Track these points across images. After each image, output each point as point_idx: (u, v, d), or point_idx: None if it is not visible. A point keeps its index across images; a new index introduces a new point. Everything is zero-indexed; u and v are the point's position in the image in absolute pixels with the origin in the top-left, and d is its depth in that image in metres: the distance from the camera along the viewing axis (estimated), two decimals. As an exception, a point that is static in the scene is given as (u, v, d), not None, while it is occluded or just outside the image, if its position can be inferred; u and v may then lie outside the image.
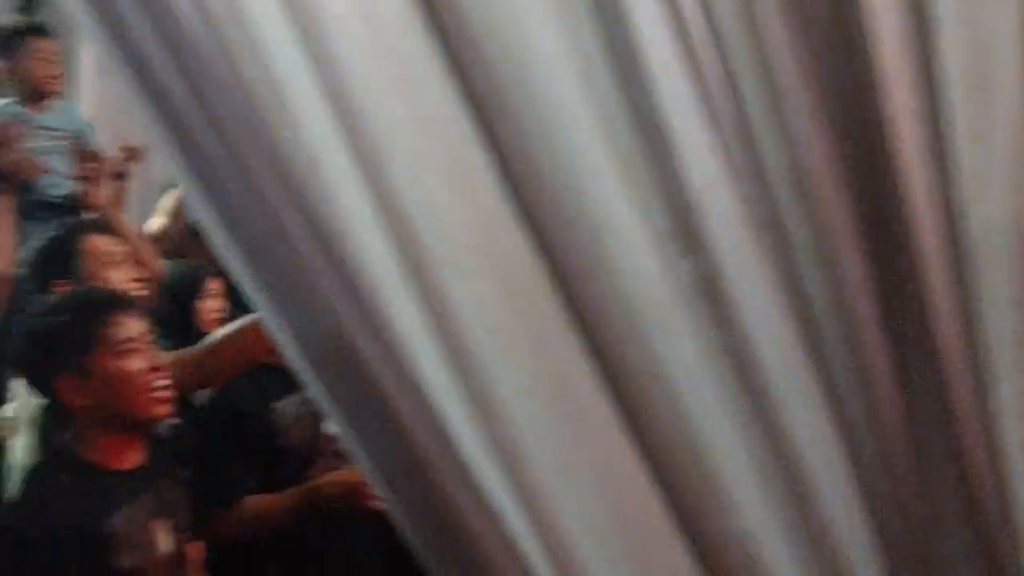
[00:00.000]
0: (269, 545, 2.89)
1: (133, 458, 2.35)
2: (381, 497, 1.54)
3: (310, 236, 1.41)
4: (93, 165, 3.75)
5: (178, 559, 2.38)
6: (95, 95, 5.13)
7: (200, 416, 2.96)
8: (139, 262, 3.60)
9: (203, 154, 1.38)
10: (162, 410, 2.34)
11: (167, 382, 2.35)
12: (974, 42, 1.47)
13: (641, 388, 1.48)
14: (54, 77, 3.82)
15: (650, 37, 1.36)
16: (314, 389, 1.50)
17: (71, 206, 3.84)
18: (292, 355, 1.50)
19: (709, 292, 1.48)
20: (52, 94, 3.89)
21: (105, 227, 3.27)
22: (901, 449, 1.48)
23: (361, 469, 1.53)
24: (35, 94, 3.86)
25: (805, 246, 1.44)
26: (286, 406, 2.95)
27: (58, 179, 3.85)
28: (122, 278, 3.03)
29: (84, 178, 3.76)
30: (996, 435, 1.47)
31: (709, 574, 1.49)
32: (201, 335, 3.65)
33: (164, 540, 2.36)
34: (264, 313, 1.50)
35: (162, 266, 3.77)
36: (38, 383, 2.35)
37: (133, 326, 2.33)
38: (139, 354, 2.31)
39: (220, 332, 2.89)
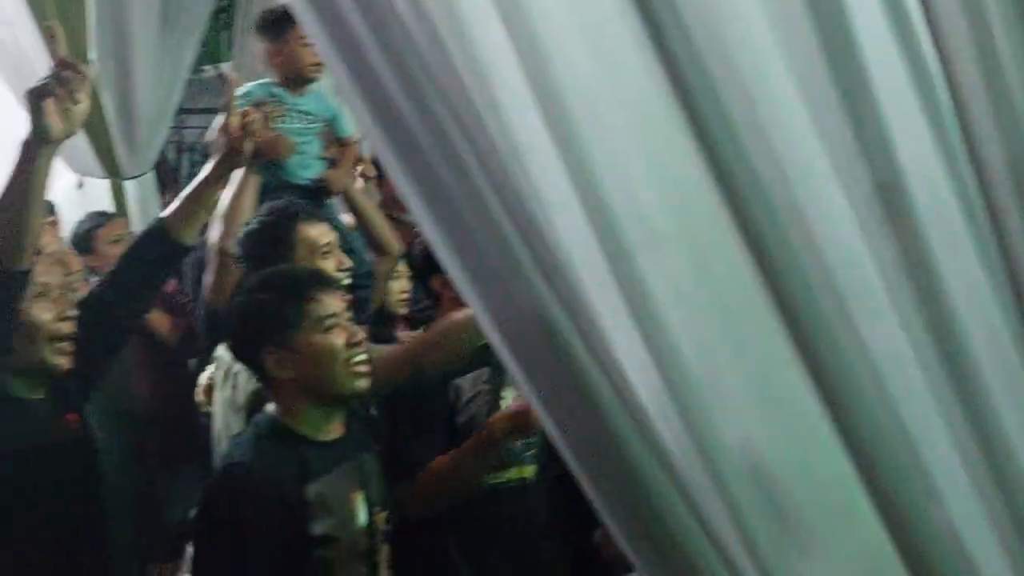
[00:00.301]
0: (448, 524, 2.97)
1: (333, 430, 2.44)
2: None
3: (512, 218, 1.43)
4: (343, 150, 3.87)
5: (372, 531, 2.47)
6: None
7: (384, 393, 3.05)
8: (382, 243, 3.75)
9: (410, 140, 1.42)
10: (362, 383, 2.44)
11: (366, 357, 2.44)
12: None
13: (843, 369, 1.45)
14: (316, 64, 3.90)
15: (864, 21, 1.34)
16: (512, 369, 1.53)
17: (317, 188, 3.96)
18: (492, 336, 1.53)
19: (915, 272, 1.44)
20: (311, 80, 3.97)
21: (317, 216, 3.38)
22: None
23: (557, 450, 1.56)
24: (296, 79, 3.94)
25: (1018, 230, 1.39)
26: (463, 382, 3.02)
27: (308, 161, 3.95)
28: (330, 267, 3.13)
29: (333, 162, 3.88)
30: None
31: (913, 563, 1.45)
32: (391, 316, 3.78)
33: (360, 512, 2.44)
34: (464, 293, 1.54)
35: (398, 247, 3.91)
36: (247, 357, 2.48)
37: (335, 303, 2.45)
38: (340, 330, 2.42)
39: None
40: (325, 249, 3.18)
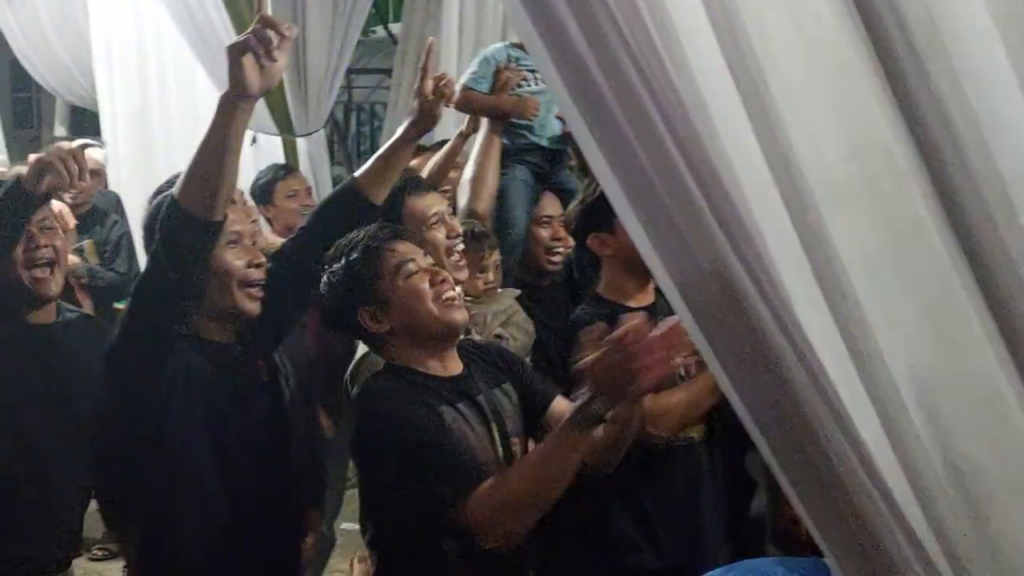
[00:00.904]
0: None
1: (451, 367, 2.50)
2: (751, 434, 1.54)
3: (695, 174, 1.42)
4: None
5: (510, 462, 2.51)
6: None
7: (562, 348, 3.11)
8: None
9: (597, 98, 1.42)
10: (458, 317, 2.49)
11: (455, 292, 2.50)
12: None
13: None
14: None
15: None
16: (690, 327, 1.52)
17: (555, 149, 3.99)
18: (671, 294, 1.52)
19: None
20: None
21: (427, 187, 3.42)
22: None
23: (734, 410, 1.55)
24: None
25: None
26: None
27: (546, 122, 3.98)
28: (439, 237, 3.18)
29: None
30: None
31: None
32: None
33: (492, 443, 2.50)
34: (643, 250, 1.53)
35: None
36: (345, 323, 2.56)
37: (411, 250, 2.51)
38: (423, 273, 2.48)
39: None
40: (434, 220, 3.22)
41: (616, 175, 1.49)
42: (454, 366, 2.56)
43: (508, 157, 3.86)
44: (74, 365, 2.97)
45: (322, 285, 2.58)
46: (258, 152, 6.06)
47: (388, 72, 7.76)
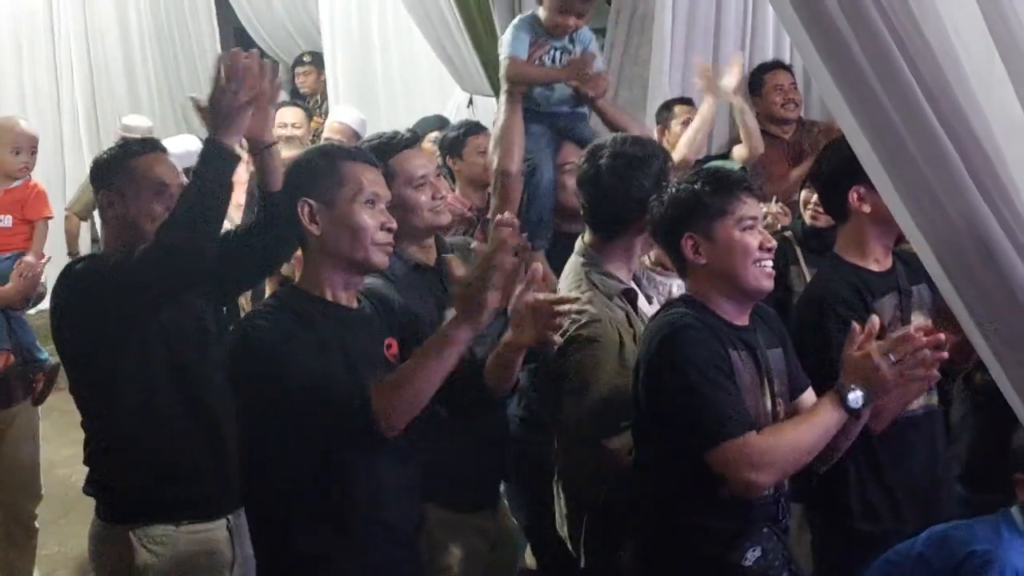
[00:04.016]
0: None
1: (741, 319, 2.58)
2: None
3: (951, 132, 1.45)
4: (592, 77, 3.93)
5: (775, 419, 2.57)
6: None
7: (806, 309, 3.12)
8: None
9: (852, 60, 1.45)
10: (765, 283, 2.54)
11: (771, 262, 2.55)
12: None
13: None
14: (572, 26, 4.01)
15: None
16: (943, 286, 1.55)
17: (572, 112, 4.06)
18: (923, 252, 1.55)
19: None
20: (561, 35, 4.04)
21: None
22: None
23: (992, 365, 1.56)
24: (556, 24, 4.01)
25: None
26: (884, 305, 3.03)
27: (564, 88, 4.04)
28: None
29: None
30: None
31: None
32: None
33: (765, 398, 2.56)
34: (894, 209, 1.56)
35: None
36: (667, 239, 2.63)
37: (757, 209, 2.56)
38: (757, 232, 2.53)
39: None
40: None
41: (865, 132, 1.53)
42: (745, 318, 2.64)
43: (526, 115, 3.93)
44: None
45: (669, 195, 2.63)
46: (474, 114, 6.20)
47: (601, 32, 7.78)
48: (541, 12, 4.02)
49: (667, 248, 2.70)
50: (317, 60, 8.24)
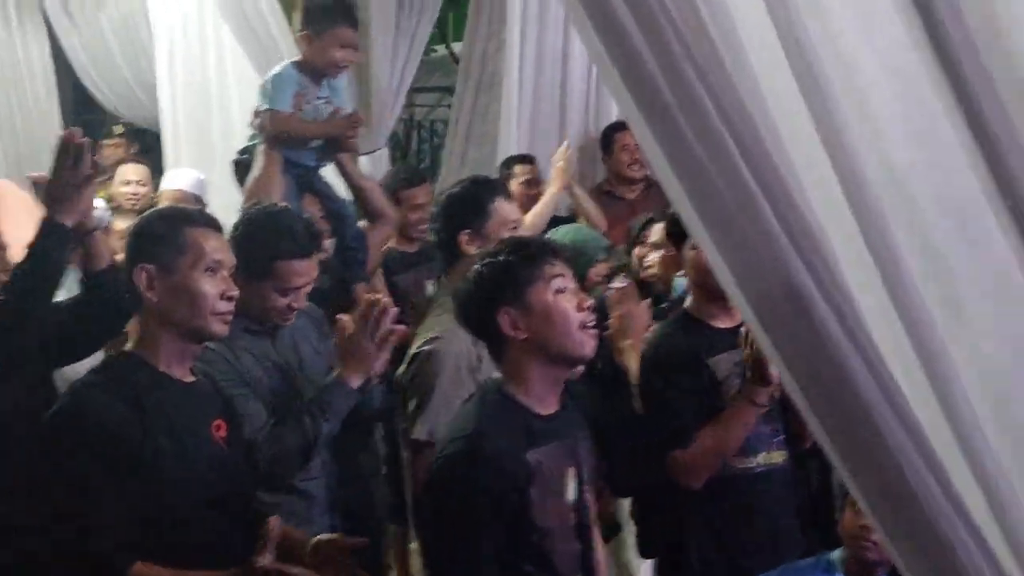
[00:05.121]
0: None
1: (551, 404, 2.51)
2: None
3: (763, 186, 1.43)
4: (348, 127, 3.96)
5: (582, 507, 2.52)
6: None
7: (646, 367, 3.18)
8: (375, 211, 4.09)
9: (664, 112, 1.43)
10: (589, 348, 2.50)
11: (594, 323, 2.51)
12: None
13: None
14: (341, 67, 4.00)
15: None
16: (763, 341, 1.53)
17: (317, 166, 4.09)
18: (743, 308, 1.53)
19: None
20: (330, 76, 4.03)
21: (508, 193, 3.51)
22: None
23: (808, 426, 1.55)
24: (318, 70, 3.99)
25: None
26: (719, 362, 3.06)
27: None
28: None
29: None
30: None
31: None
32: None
33: (572, 488, 2.51)
34: (715, 266, 1.54)
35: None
36: (481, 320, 2.54)
37: (565, 270, 2.51)
38: (571, 294, 2.48)
39: None
40: (515, 225, 3.28)
41: (684, 191, 1.50)
42: (555, 402, 2.57)
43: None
44: None
45: (472, 274, 2.59)
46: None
47: (449, 91, 7.81)
48: (308, 54, 3.97)
49: (480, 330, 2.63)
50: (129, 134, 8.09)
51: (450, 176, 6.19)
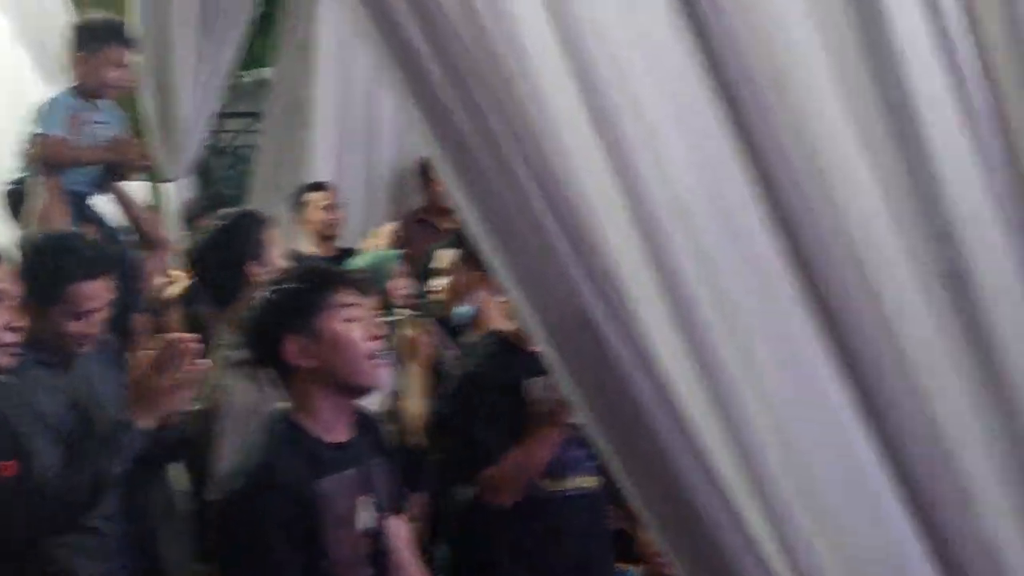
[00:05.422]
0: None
1: (342, 432, 2.49)
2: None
3: (556, 216, 1.46)
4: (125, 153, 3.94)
5: (378, 536, 2.50)
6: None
7: (461, 385, 3.19)
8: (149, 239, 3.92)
9: (457, 136, 1.45)
10: (378, 378, 2.48)
11: (385, 352, 2.49)
12: None
13: (878, 368, 1.48)
14: (117, 88, 3.96)
15: (905, 28, 1.37)
16: (555, 367, 1.55)
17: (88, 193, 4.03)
18: (535, 334, 1.55)
19: (953, 278, 1.47)
20: (106, 97, 4.00)
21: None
22: None
23: (596, 448, 1.58)
24: (93, 92, 3.95)
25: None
26: (534, 383, 3.08)
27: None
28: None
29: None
30: None
31: (942, 562, 1.47)
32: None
33: (365, 516, 2.48)
34: (509, 292, 1.56)
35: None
36: (266, 345, 2.50)
37: (355, 297, 2.49)
38: (363, 322, 2.46)
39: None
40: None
41: (480, 217, 1.52)
42: (346, 431, 2.52)
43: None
44: None
45: (260, 300, 2.53)
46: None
47: (258, 116, 7.69)
48: (82, 75, 3.89)
49: (266, 357, 2.57)
50: None
51: (257, 203, 6.09)
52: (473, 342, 3.44)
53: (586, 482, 3.20)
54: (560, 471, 3.14)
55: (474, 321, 3.53)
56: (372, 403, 3.08)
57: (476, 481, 3.08)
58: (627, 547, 3.31)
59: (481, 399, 3.11)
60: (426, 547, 3.39)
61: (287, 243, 3.41)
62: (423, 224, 5.80)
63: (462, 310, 3.74)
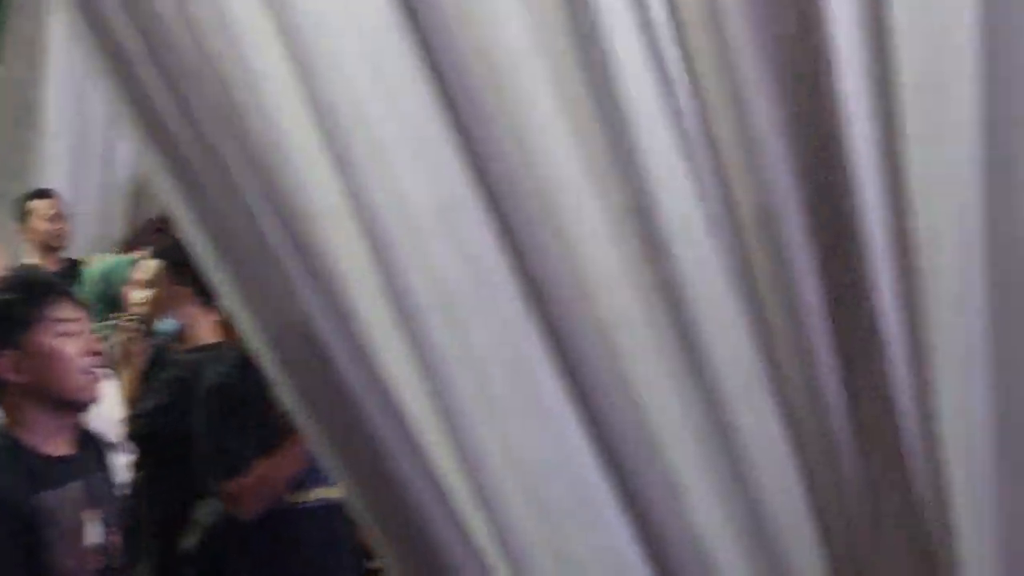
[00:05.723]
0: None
1: (62, 446, 2.41)
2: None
3: (280, 224, 1.44)
4: None
5: (108, 550, 2.44)
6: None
7: (209, 396, 3.10)
8: None
9: (174, 141, 1.41)
10: (93, 393, 2.42)
11: (101, 367, 2.43)
12: (926, 45, 1.50)
13: (594, 374, 1.52)
14: None
15: (617, 36, 1.41)
16: (277, 376, 1.53)
17: None
18: (256, 343, 1.52)
19: (666, 289, 1.52)
20: None
21: None
22: (845, 446, 1.51)
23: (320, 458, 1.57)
24: None
25: (757, 239, 1.48)
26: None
27: None
28: None
29: None
30: (936, 434, 1.48)
31: (658, 562, 1.52)
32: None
33: (92, 531, 2.42)
34: (229, 301, 1.53)
35: None
36: None
37: (72, 310, 2.41)
38: (77, 337, 2.39)
39: None
40: None
41: (200, 225, 1.49)
42: (67, 444, 2.45)
43: None
44: None
45: None
46: None
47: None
48: None
49: None
50: None
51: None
52: (215, 354, 3.37)
53: (331, 493, 3.18)
54: (303, 483, 3.11)
55: (179, 335, 3.48)
56: (102, 416, 2.99)
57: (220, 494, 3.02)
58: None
59: (231, 411, 3.05)
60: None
61: (10, 254, 3.24)
62: (162, 234, 5.63)
63: (165, 324, 3.68)
